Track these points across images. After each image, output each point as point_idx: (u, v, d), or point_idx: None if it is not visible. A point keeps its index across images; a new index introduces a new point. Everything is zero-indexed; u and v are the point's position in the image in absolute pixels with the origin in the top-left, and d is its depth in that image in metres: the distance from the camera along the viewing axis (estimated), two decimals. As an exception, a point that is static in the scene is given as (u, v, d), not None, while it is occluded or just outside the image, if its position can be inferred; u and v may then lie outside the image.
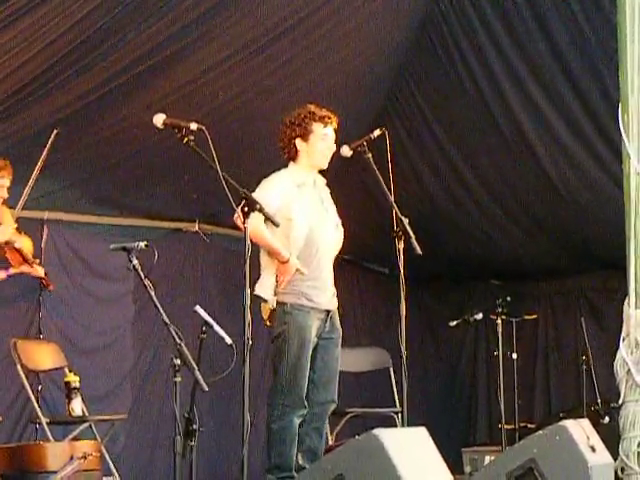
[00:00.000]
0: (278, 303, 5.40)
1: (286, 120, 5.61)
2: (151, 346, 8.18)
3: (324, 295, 5.53)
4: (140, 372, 8.23)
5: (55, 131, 6.23)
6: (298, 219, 5.46)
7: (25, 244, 6.34)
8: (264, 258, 5.47)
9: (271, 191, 5.42)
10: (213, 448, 8.13)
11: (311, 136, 5.55)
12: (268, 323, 5.46)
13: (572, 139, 7.46)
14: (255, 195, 4.95)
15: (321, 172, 5.70)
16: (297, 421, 5.36)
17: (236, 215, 4.76)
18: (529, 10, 6.76)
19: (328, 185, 5.76)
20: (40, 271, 6.44)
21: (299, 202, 5.49)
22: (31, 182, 6.31)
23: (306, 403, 5.39)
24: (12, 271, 6.31)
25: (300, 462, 5.38)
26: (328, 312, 5.55)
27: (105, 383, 7.90)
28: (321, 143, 5.57)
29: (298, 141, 5.56)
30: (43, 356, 6.79)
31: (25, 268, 6.33)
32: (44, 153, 6.25)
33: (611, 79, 5.99)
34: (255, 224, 5.02)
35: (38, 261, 6.43)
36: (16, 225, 6.22)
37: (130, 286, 7.80)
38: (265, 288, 5.41)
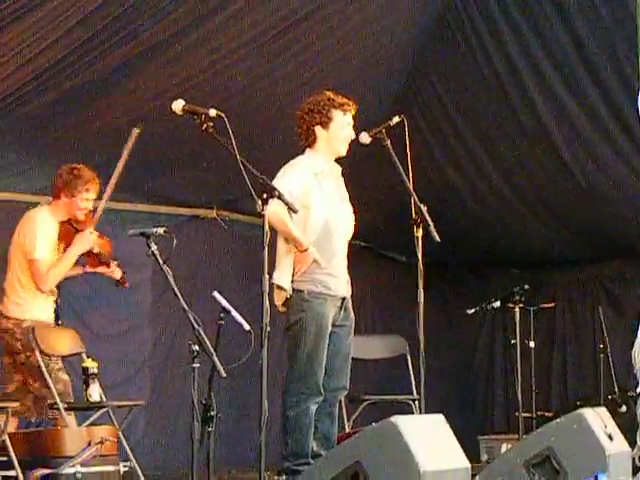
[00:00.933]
0: (295, 290, 5.37)
1: (304, 107, 5.53)
2: (169, 332, 8.21)
3: (339, 282, 5.50)
4: (158, 358, 8.26)
5: (136, 130, 6.06)
6: (316, 207, 5.42)
7: (104, 248, 6.26)
8: (281, 246, 5.42)
9: (292, 178, 5.37)
10: (231, 434, 8.15)
11: (331, 124, 5.48)
12: (281, 309, 5.45)
13: (590, 127, 7.44)
14: (276, 183, 4.93)
15: (338, 159, 5.68)
16: (313, 408, 5.34)
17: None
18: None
19: (346, 172, 5.73)
20: (117, 273, 6.32)
21: (317, 190, 5.45)
22: (112, 186, 6.16)
23: (322, 390, 5.40)
24: (88, 269, 6.28)
25: (315, 449, 5.38)
26: (343, 300, 5.53)
27: (123, 369, 7.93)
28: (341, 131, 5.50)
29: (318, 128, 5.50)
30: (61, 342, 6.77)
31: (102, 269, 6.29)
32: (125, 154, 6.09)
33: (631, 66, 5.97)
34: (278, 211, 5.01)
35: (116, 263, 6.34)
36: (97, 233, 6.15)
37: (149, 272, 7.82)
38: (283, 277, 5.37)
